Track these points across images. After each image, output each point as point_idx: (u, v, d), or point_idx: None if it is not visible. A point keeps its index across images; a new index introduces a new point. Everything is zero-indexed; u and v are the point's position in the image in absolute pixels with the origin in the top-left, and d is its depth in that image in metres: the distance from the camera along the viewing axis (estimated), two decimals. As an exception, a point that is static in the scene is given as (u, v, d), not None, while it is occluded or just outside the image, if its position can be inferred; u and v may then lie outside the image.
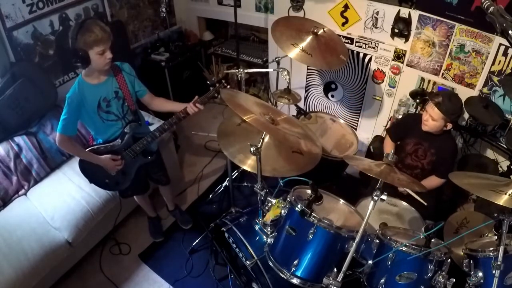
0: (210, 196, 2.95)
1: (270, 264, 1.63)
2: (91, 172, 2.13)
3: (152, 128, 2.21)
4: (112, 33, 1.81)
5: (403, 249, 1.50)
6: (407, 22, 2.61)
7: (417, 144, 2.24)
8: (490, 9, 1.22)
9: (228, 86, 2.05)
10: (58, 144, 1.94)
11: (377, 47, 2.83)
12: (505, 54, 2.30)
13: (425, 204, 2.09)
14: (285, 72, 2.45)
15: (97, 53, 1.76)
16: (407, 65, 2.79)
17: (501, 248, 1.38)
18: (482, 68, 2.45)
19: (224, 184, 2.91)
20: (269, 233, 1.80)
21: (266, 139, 1.87)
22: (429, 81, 2.74)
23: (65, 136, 1.90)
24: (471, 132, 2.63)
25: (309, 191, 1.63)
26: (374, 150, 2.86)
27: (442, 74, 2.65)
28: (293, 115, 2.64)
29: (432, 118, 2.07)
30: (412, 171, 2.29)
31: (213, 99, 2.04)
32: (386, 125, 3.05)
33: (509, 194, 1.33)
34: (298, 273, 1.54)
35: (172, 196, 2.72)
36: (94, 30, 1.71)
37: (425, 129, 2.14)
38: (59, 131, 1.89)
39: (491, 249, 1.47)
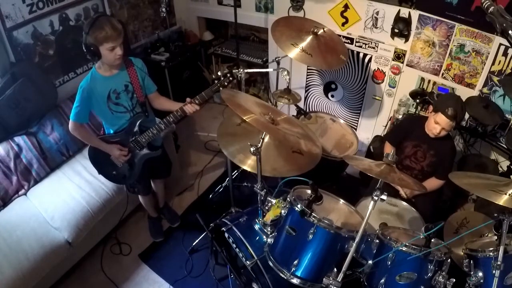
0: (210, 196, 2.95)
1: (270, 264, 1.63)
2: (99, 162, 2.20)
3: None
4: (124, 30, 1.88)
5: (403, 249, 1.50)
6: (407, 22, 2.61)
7: (416, 147, 2.24)
8: (490, 9, 1.22)
9: (235, 81, 2.06)
10: (71, 130, 2.02)
11: (377, 47, 2.83)
12: (505, 54, 2.31)
13: None
14: (285, 72, 2.44)
15: (107, 49, 1.82)
16: (407, 65, 2.79)
17: (501, 248, 1.38)
18: (482, 68, 2.45)
19: (224, 184, 2.91)
20: (269, 233, 1.80)
21: (266, 139, 1.87)
22: (429, 81, 2.74)
23: (77, 123, 1.99)
24: (471, 132, 2.63)
25: (309, 191, 1.63)
26: (374, 150, 2.86)
27: (442, 74, 2.65)
28: (293, 115, 2.64)
29: (444, 129, 2.06)
30: (411, 173, 2.29)
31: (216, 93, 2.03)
32: (386, 125, 3.05)
33: (509, 194, 1.33)
34: (298, 273, 1.54)
35: (164, 192, 2.73)
36: (105, 28, 1.77)
37: (433, 137, 2.12)
38: (72, 119, 1.97)
39: (491, 249, 1.47)
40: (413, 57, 2.72)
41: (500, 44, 2.30)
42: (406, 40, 2.69)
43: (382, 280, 1.52)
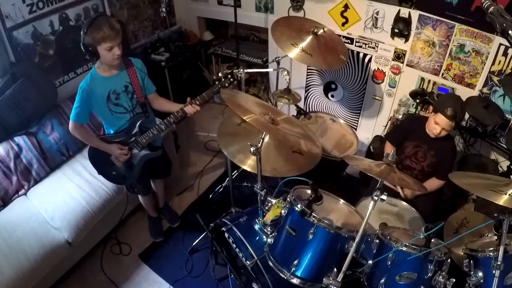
0: (210, 196, 2.95)
1: (270, 264, 1.63)
2: (99, 162, 2.20)
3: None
4: (122, 30, 1.88)
5: (403, 249, 1.50)
6: (407, 22, 2.61)
7: (416, 147, 2.24)
8: (490, 9, 1.22)
9: (235, 82, 2.06)
10: (71, 131, 2.02)
11: (377, 47, 2.83)
12: (505, 54, 2.31)
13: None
14: (285, 72, 2.44)
15: (105, 49, 1.82)
16: (407, 65, 2.79)
17: (501, 248, 1.38)
18: (482, 68, 2.45)
19: (224, 184, 2.91)
20: (269, 233, 1.80)
21: (266, 139, 1.87)
22: (429, 81, 2.74)
23: (77, 124, 2.00)
24: (471, 132, 2.63)
25: (309, 191, 1.63)
26: (374, 150, 2.86)
27: (442, 74, 2.65)
28: (293, 115, 2.64)
29: (444, 130, 2.05)
30: (412, 173, 2.29)
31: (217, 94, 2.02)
32: (386, 125, 3.05)
33: (509, 194, 1.33)
34: (298, 273, 1.54)
35: (164, 192, 2.73)
36: (103, 28, 1.77)
37: (434, 137, 2.12)
38: (71, 119, 1.98)
39: (491, 249, 1.47)
40: (413, 57, 2.72)
41: (500, 44, 2.30)
42: (406, 40, 2.69)
43: (382, 280, 1.52)
